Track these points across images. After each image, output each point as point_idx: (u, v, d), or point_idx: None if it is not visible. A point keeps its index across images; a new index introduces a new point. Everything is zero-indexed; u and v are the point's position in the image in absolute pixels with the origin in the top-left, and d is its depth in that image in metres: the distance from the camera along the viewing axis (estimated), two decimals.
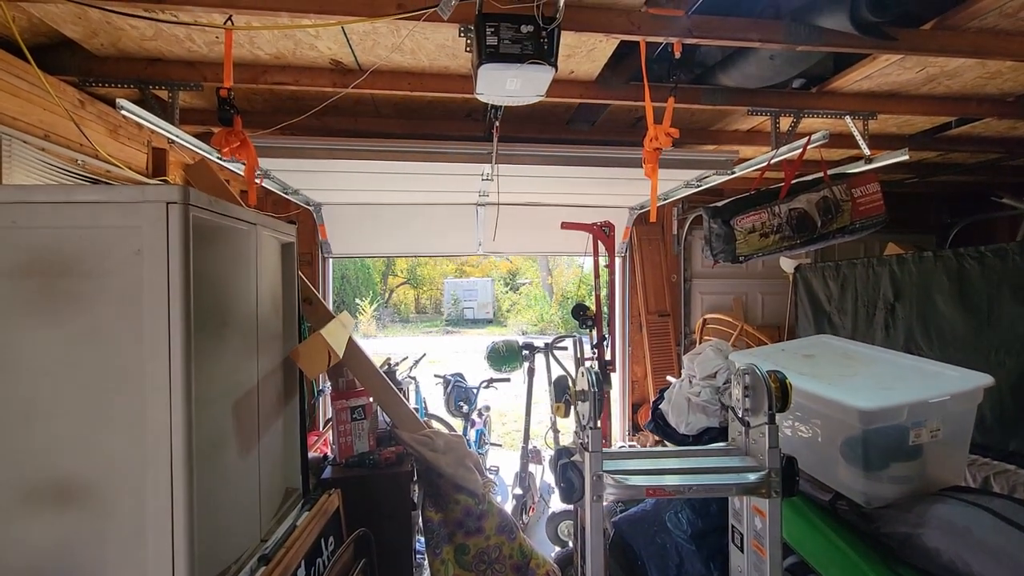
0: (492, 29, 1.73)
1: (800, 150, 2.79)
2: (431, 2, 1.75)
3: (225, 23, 1.94)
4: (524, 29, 1.75)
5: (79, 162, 2.49)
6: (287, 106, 3.09)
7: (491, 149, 2.68)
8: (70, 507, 1.16)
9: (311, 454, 2.52)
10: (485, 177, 3.19)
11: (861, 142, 2.99)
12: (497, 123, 2.55)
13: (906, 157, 2.96)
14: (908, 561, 1.44)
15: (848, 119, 2.95)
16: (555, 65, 1.81)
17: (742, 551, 1.44)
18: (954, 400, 1.57)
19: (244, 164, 2.16)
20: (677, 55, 2.17)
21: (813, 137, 2.72)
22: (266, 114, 3.15)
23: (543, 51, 1.77)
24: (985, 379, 1.62)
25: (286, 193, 3.63)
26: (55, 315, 1.15)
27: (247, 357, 1.62)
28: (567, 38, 2.14)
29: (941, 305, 2.91)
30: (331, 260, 4.79)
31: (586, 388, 1.35)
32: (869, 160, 3.08)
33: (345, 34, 2.18)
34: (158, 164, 3.09)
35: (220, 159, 2.68)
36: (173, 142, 2.62)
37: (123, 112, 2.18)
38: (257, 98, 3.05)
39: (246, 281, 1.62)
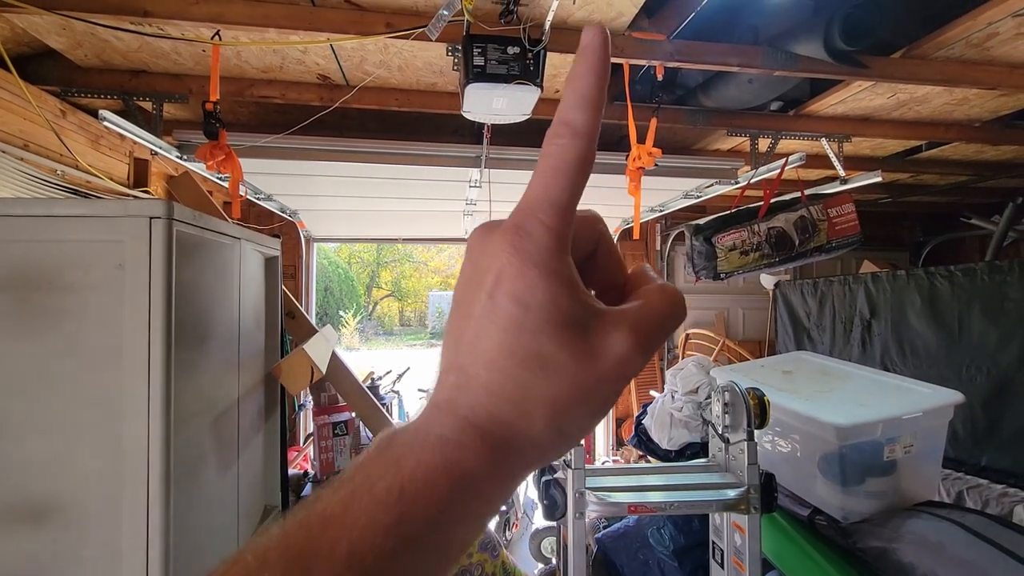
0: (479, 50, 1.77)
1: (778, 170, 2.86)
2: (420, 22, 1.78)
3: (213, 38, 1.95)
4: (511, 51, 1.78)
5: (59, 172, 2.45)
6: (273, 119, 3.09)
7: (480, 152, 2.67)
8: (43, 526, 1.13)
9: (291, 470, 2.48)
10: (473, 183, 3.16)
11: (836, 163, 3.09)
12: (488, 125, 2.51)
13: (879, 178, 3.06)
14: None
15: (824, 141, 3.04)
16: (541, 86, 1.85)
17: (722, 567, 1.45)
18: (926, 416, 1.62)
19: (229, 177, 2.16)
20: (660, 77, 2.24)
21: (791, 158, 2.80)
22: (252, 127, 3.14)
23: (529, 72, 1.82)
24: (955, 396, 1.66)
25: (258, 198, 3.52)
26: (32, 330, 1.13)
27: (228, 372, 1.61)
28: (553, 59, 2.18)
29: (914, 322, 3.00)
30: (315, 264, 4.77)
31: None
32: (844, 181, 3.18)
33: (333, 50, 2.20)
34: (140, 175, 3.06)
35: (181, 164, 2.65)
36: (156, 154, 2.60)
37: (106, 124, 2.16)
38: (243, 111, 3.05)
39: (229, 295, 1.61)
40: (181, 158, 2.52)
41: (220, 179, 2.82)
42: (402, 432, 0.26)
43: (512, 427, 0.25)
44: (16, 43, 2.18)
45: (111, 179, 2.78)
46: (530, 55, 1.79)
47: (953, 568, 1.35)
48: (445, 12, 1.64)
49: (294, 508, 0.24)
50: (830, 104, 2.76)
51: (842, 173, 3.11)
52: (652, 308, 0.28)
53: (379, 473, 0.24)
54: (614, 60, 2.15)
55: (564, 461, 1.37)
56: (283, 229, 4.24)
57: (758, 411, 1.32)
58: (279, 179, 3.15)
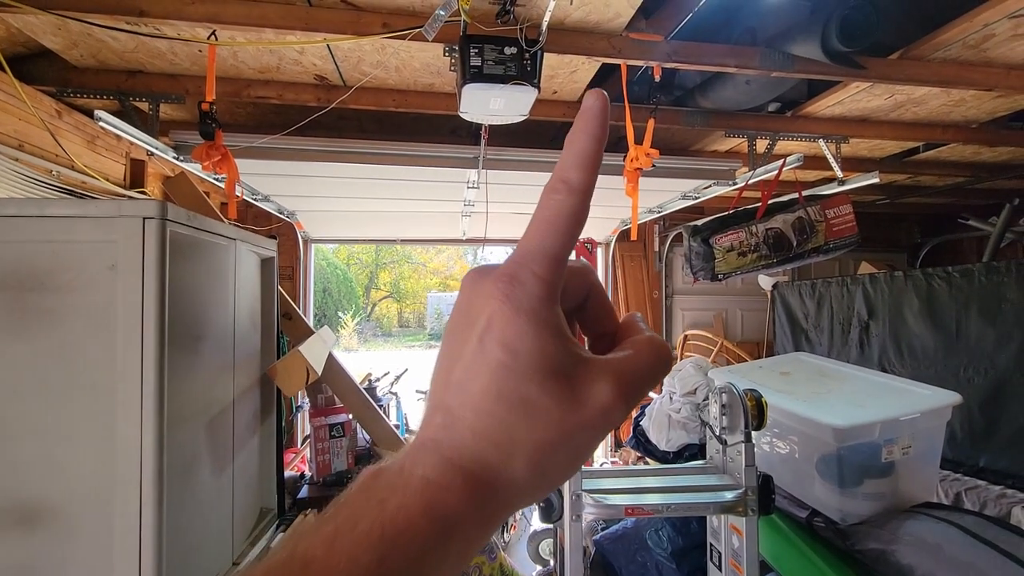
0: (476, 50, 1.76)
1: (776, 171, 2.86)
2: (416, 23, 1.77)
3: (209, 38, 1.94)
4: (507, 51, 1.78)
5: (54, 172, 2.44)
6: (271, 120, 3.08)
7: (478, 153, 2.67)
8: (34, 529, 1.11)
9: (288, 472, 2.47)
10: (471, 184, 3.16)
11: (834, 164, 3.09)
12: (486, 126, 2.47)
13: (877, 180, 3.06)
14: None
15: (822, 142, 3.05)
16: (538, 86, 1.84)
17: (720, 570, 1.44)
18: (924, 417, 1.61)
19: (225, 177, 2.15)
20: (657, 78, 2.23)
21: (788, 159, 2.80)
22: (249, 128, 3.13)
23: (526, 72, 1.81)
24: (953, 397, 1.66)
25: (255, 199, 3.52)
26: (24, 331, 1.12)
27: (223, 373, 1.60)
28: (550, 60, 2.18)
29: (912, 323, 3.00)
30: (313, 265, 4.77)
31: None
32: (842, 182, 3.18)
33: (330, 50, 2.19)
34: (136, 175, 3.04)
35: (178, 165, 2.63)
36: (152, 154, 2.58)
37: (101, 124, 2.15)
38: (240, 112, 3.04)
39: (224, 296, 1.60)
40: (178, 159, 2.51)
41: (217, 180, 2.81)
42: (387, 469, 0.26)
43: (495, 470, 0.26)
44: (11, 43, 2.17)
45: (107, 180, 2.77)
46: (527, 55, 1.79)
47: (952, 570, 1.34)
48: (442, 12, 1.64)
49: (276, 545, 0.25)
50: (828, 105, 2.77)
51: (840, 174, 3.11)
52: (638, 359, 0.29)
53: (362, 512, 0.24)
54: (612, 61, 2.15)
55: None
56: (281, 230, 4.23)
57: (755, 412, 1.32)
58: (276, 180, 3.14)
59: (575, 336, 0.31)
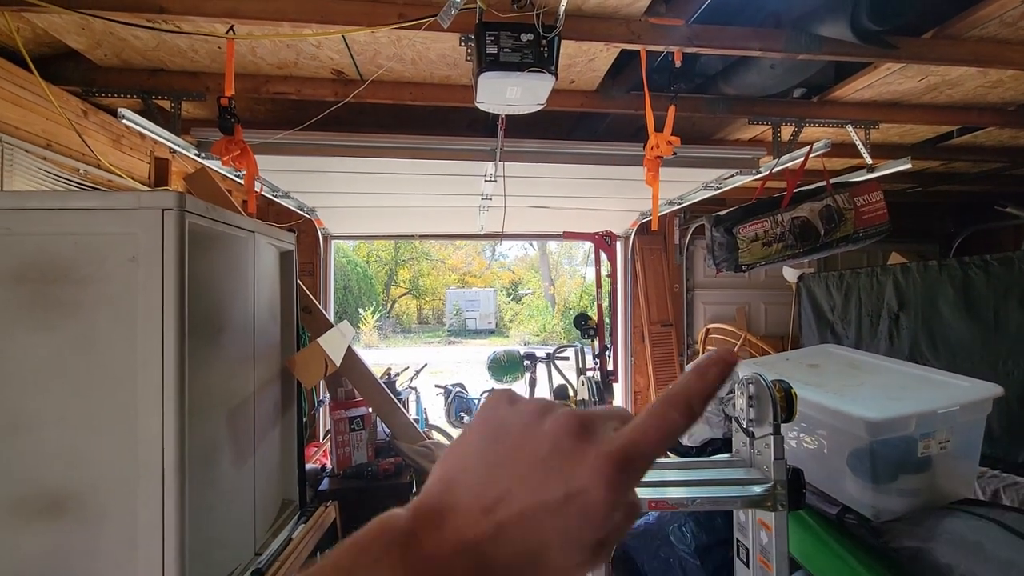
0: (492, 38, 1.74)
1: (802, 159, 2.78)
2: (431, 11, 1.75)
3: (227, 33, 1.95)
4: (524, 38, 1.75)
5: (81, 171, 2.49)
6: (289, 116, 3.10)
7: (495, 145, 2.63)
8: (60, 518, 1.13)
9: (309, 465, 2.49)
10: (488, 178, 3.13)
11: (863, 151, 2.98)
12: (503, 118, 2.43)
13: (909, 166, 2.95)
14: None
15: (850, 128, 2.94)
16: (555, 73, 1.81)
17: (747, 566, 1.40)
18: (963, 410, 1.54)
19: (244, 173, 2.16)
20: (678, 64, 2.18)
21: (815, 146, 2.71)
22: (268, 124, 3.16)
23: (543, 59, 1.78)
24: (995, 389, 1.59)
25: (276, 196, 3.56)
26: (47, 322, 1.14)
27: (243, 365, 1.61)
28: (567, 47, 2.14)
29: (946, 314, 2.88)
30: (333, 262, 4.84)
31: (586, 397, 1.32)
32: (871, 169, 3.07)
33: (347, 44, 2.19)
34: (160, 174, 3.10)
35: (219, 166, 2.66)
36: (175, 152, 2.62)
37: (124, 121, 2.19)
38: (259, 108, 3.07)
39: (243, 288, 1.61)
40: (200, 156, 2.54)
41: (238, 176, 2.84)
42: None
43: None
44: (37, 44, 2.21)
45: (132, 178, 2.82)
46: (544, 42, 1.76)
47: (992, 568, 1.28)
48: None
49: None
50: (856, 89, 2.67)
51: (869, 161, 3.00)
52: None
53: None
54: (631, 47, 2.10)
55: None
56: (301, 227, 4.28)
57: (784, 404, 1.27)
58: (296, 176, 3.16)
59: None
